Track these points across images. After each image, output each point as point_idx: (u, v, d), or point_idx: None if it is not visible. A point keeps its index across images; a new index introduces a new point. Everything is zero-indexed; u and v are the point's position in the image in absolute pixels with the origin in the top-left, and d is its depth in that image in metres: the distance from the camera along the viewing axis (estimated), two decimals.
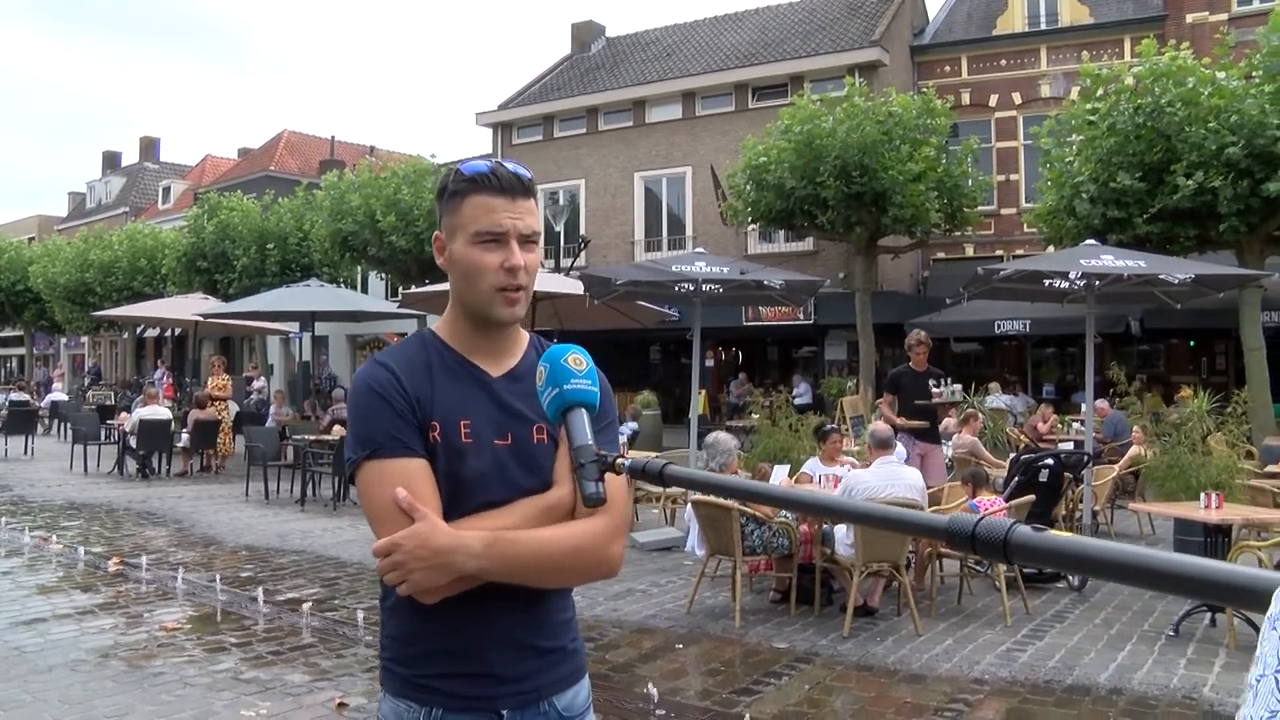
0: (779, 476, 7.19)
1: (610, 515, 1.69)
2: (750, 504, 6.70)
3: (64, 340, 45.99)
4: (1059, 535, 0.85)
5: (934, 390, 9.62)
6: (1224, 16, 20.25)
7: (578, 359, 1.50)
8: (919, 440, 9.37)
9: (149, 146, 52.44)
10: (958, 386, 9.84)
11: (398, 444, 1.63)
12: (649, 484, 1.16)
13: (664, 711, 4.91)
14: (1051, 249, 15.57)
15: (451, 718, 1.67)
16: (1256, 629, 5.33)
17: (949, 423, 10.93)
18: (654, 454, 11.16)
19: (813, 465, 8.32)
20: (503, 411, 1.71)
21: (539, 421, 1.71)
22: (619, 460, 1.35)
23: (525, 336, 1.83)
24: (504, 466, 1.68)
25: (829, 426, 8.80)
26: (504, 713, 1.68)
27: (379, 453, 1.63)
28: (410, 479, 1.61)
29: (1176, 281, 9.39)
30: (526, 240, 1.70)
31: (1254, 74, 13.47)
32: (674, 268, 9.85)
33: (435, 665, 1.67)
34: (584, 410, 1.46)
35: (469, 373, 1.73)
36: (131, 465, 15.21)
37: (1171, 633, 6.36)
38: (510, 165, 1.71)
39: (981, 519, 0.89)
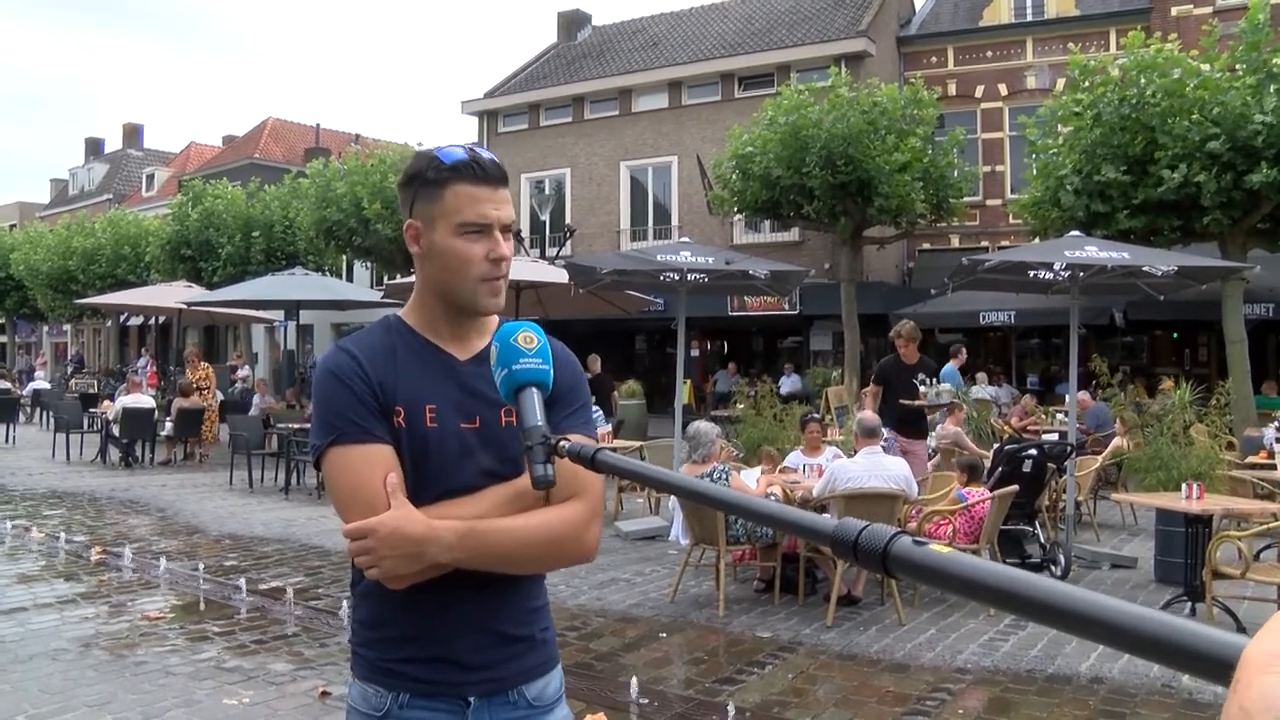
0: (751, 479, 7.21)
1: (586, 500, 1.68)
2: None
3: (46, 328, 45.66)
4: (939, 550, 0.78)
5: (920, 389, 8.89)
6: (1209, 9, 20.30)
7: (528, 337, 1.47)
8: (900, 436, 8.87)
9: (132, 133, 51.93)
10: (946, 387, 8.87)
11: (360, 430, 1.61)
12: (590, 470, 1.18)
13: (647, 700, 4.91)
14: (1037, 240, 15.61)
15: (418, 703, 1.66)
16: (1236, 619, 5.31)
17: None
18: (639, 443, 11.17)
19: (795, 458, 8.33)
20: (469, 395, 1.69)
21: (508, 404, 1.67)
22: (561, 443, 1.31)
23: (494, 319, 1.78)
24: (471, 451, 1.66)
25: (809, 416, 8.79)
26: (471, 700, 1.67)
27: (341, 439, 1.61)
28: (374, 465, 1.59)
29: (1160, 273, 9.41)
30: (506, 230, 1.69)
31: (1237, 66, 13.52)
32: (659, 257, 9.82)
33: (402, 650, 1.66)
34: (535, 390, 1.43)
35: (435, 357, 1.71)
36: (114, 454, 15.13)
37: None
38: (485, 153, 1.69)
39: (866, 527, 0.83)
